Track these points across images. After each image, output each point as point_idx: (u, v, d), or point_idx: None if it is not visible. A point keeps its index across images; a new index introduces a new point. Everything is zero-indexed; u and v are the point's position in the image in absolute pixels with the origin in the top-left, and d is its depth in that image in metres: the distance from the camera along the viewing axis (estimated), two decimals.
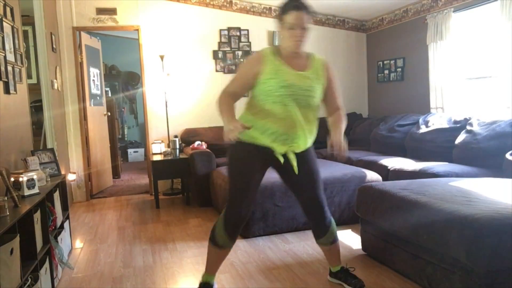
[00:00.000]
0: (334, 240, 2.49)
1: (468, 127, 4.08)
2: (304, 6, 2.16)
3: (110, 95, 8.22)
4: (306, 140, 2.31)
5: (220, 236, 2.32)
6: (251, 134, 2.23)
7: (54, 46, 4.75)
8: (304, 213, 2.48)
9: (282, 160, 2.26)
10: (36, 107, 4.45)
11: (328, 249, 2.53)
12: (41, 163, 3.17)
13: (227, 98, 2.27)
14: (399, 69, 5.77)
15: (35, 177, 2.56)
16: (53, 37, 4.72)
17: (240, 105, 2.38)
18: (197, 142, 5.08)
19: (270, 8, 5.92)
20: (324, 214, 2.42)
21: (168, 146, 5.18)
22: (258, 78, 2.21)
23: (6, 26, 3.01)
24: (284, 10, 2.18)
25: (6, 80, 2.89)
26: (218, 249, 2.37)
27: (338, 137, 2.27)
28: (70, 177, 5.09)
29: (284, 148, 2.25)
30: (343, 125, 2.37)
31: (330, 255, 2.56)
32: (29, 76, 4.23)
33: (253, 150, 2.27)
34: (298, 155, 2.29)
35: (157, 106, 5.53)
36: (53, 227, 2.86)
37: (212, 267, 2.45)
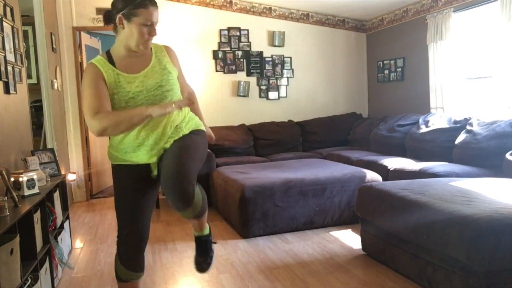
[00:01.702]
0: (200, 212, 1.98)
1: (468, 127, 4.08)
2: (155, 1, 1.92)
3: None
4: (176, 132, 1.96)
5: (120, 271, 2.05)
6: (118, 157, 1.97)
7: (54, 46, 4.75)
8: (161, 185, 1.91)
9: (155, 172, 1.97)
10: (36, 107, 4.45)
11: (197, 222, 2.15)
12: (41, 163, 3.17)
13: (104, 113, 1.79)
14: (399, 69, 5.77)
15: (35, 177, 2.56)
16: (53, 37, 4.72)
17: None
18: None
19: (270, 8, 5.92)
20: (184, 185, 1.82)
21: None
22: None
23: (6, 26, 3.01)
24: (134, 3, 1.84)
25: (6, 80, 2.89)
26: (121, 283, 2.08)
27: (208, 130, 2.18)
28: (70, 177, 5.08)
29: (154, 159, 1.95)
30: (200, 112, 2.19)
31: (196, 223, 2.17)
32: (29, 76, 4.23)
33: (125, 170, 1.97)
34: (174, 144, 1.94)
35: None
36: (53, 227, 2.86)
37: None
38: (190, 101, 1.93)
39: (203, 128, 2.14)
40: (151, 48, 2.02)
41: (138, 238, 2.02)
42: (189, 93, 2.20)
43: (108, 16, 1.91)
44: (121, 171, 1.99)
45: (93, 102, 1.80)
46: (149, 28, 1.90)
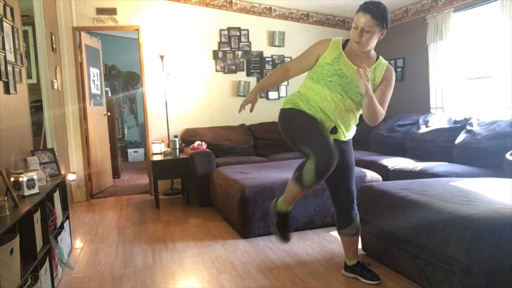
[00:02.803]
0: (357, 232, 2.63)
1: (468, 127, 4.08)
2: (373, 9, 2.20)
3: (110, 95, 8.21)
4: (344, 130, 2.43)
5: (311, 180, 2.26)
6: (302, 107, 2.40)
7: (54, 46, 4.75)
8: (333, 202, 2.62)
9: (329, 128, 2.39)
10: (36, 107, 4.45)
11: (350, 240, 2.63)
12: (41, 163, 3.17)
13: (281, 71, 2.54)
14: (399, 69, 5.76)
15: (35, 177, 2.56)
16: (53, 37, 4.73)
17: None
18: (197, 142, 5.08)
19: (270, 8, 5.92)
20: (352, 205, 2.56)
21: (168, 146, 5.19)
22: (317, 61, 2.38)
23: (6, 26, 3.01)
24: (358, 9, 2.27)
25: (6, 80, 2.89)
26: (303, 188, 2.36)
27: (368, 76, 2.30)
28: (70, 177, 5.08)
29: (327, 128, 2.37)
30: (377, 103, 2.29)
31: (349, 248, 2.66)
32: (29, 76, 4.22)
33: (307, 114, 2.40)
34: (337, 145, 2.35)
35: (157, 106, 5.53)
36: (53, 227, 2.86)
37: (292, 201, 2.50)
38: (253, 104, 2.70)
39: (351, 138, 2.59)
40: (379, 60, 2.40)
41: (335, 152, 2.26)
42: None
43: None
44: (302, 113, 2.39)
45: (294, 62, 2.55)
46: (357, 32, 2.25)
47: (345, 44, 2.40)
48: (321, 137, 2.28)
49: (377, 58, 2.43)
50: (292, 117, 2.44)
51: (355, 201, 2.58)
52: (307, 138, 2.32)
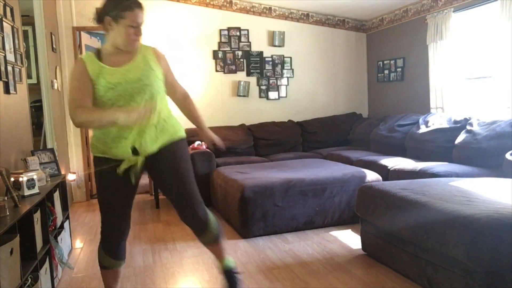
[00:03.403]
0: (215, 240, 2.28)
1: (468, 127, 4.08)
2: (140, 2, 2.04)
3: None
4: (159, 133, 2.09)
5: (103, 259, 2.19)
6: (98, 148, 2.09)
7: (54, 46, 4.75)
8: (178, 215, 2.24)
9: (121, 170, 2.04)
10: (36, 107, 4.45)
11: (211, 249, 2.35)
12: (41, 163, 3.17)
13: (81, 108, 1.96)
14: (399, 69, 5.77)
15: (35, 177, 2.56)
16: (53, 37, 4.72)
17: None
18: (197, 142, 5.07)
19: (270, 8, 5.92)
20: (196, 216, 2.18)
21: None
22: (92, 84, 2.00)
23: (6, 26, 3.01)
24: (125, 5, 1.97)
25: (6, 80, 2.89)
26: (105, 270, 2.22)
27: (207, 133, 2.29)
28: (70, 177, 5.08)
29: (128, 152, 2.04)
30: (199, 114, 2.30)
31: (216, 255, 2.37)
32: (29, 76, 4.23)
33: (106, 163, 2.07)
34: (152, 158, 2.09)
35: None
36: (53, 227, 2.86)
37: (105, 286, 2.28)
38: (150, 111, 1.94)
39: (182, 133, 2.23)
40: (140, 47, 2.13)
41: (119, 231, 2.18)
42: (180, 93, 2.33)
43: (98, 16, 2.06)
44: (101, 164, 2.08)
45: (75, 95, 1.99)
46: (135, 29, 2.02)
47: (98, 55, 2.07)
48: (107, 216, 2.14)
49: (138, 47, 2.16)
50: (95, 174, 2.15)
51: (198, 203, 2.19)
52: (101, 212, 2.17)
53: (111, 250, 2.18)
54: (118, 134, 2.02)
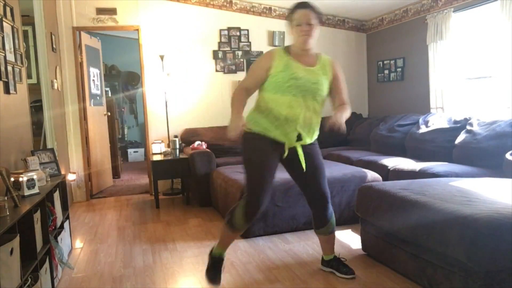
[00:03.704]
0: (332, 230, 2.70)
1: (468, 127, 4.08)
2: (310, 5, 2.42)
3: (110, 95, 8.22)
4: (309, 133, 2.49)
5: (239, 222, 2.49)
6: (262, 124, 2.44)
7: (54, 46, 4.75)
8: (308, 204, 2.68)
9: (286, 153, 2.45)
10: (36, 107, 4.44)
11: (326, 239, 2.73)
12: (41, 163, 3.17)
13: (241, 94, 2.48)
14: (399, 69, 5.77)
15: (35, 177, 2.56)
16: (53, 37, 4.72)
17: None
18: (197, 142, 5.08)
19: (270, 8, 5.92)
20: (327, 206, 2.62)
21: (168, 146, 5.18)
22: (269, 72, 2.42)
23: (6, 26, 3.01)
24: (292, 10, 2.43)
25: (6, 80, 2.89)
26: (234, 231, 2.55)
27: (338, 115, 2.42)
28: (70, 177, 5.09)
29: (292, 138, 2.42)
30: (346, 113, 2.49)
31: (326, 245, 2.76)
32: (29, 76, 4.22)
33: (265, 141, 2.44)
34: (304, 149, 2.47)
35: (157, 106, 5.53)
36: (53, 227, 2.86)
37: (225, 244, 2.64)
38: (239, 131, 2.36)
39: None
40: (320, 56, 2.52)
41: (266, 198, 2.46)
42: (342, 103, 2.60)
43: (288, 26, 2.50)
44: (260, 139, 2.44)
45: (247, 80, 2.53)
46: (303, 28, 2.37)
47: (287, 50, 2.49)
48: (258, 184, 2.44)
49: (318, 55, 2.54)
50: (246, 145, 2.52)
51: (329, 201, 2.64)
52: (247, 178, 2.49)
53: (251, 216, 2.46)
54: (287, 123, 2.39)
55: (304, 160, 2.46)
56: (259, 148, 2.46)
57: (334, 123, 2.36)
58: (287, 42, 5.99)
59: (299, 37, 2.41)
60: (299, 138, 2.45)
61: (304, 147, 2.49)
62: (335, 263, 2.73)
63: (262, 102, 2.49)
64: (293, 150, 2.47)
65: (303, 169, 2.49)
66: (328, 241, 2.74)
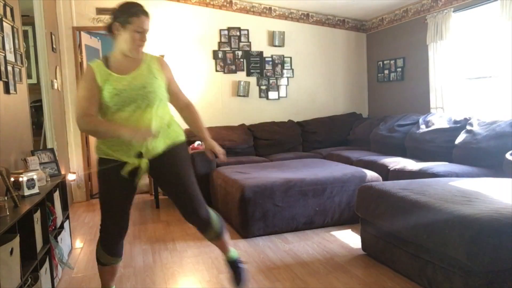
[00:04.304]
0: (220, 234, 2.40)
1: (468, 127, 4.08)
2: (146, 11, 2.18)
3: None
4: (162, 137, 2.19)
5: (101, 255, 2.27)
6: (103, 150, 2.17)
7: (54, 46, 4.75)
8: (181, 215, 2.36)
9: (125, 172, 2.14)
10: (36, 107, 4.45)
11: (216, 243, 2.46)
12: (41, 163, 3.17)
13: (91, 122, 2.09)
14: (399, 69, 5.77)
15: (35, 177, 2.56)
16: (53, 37, 4.72)
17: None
18: (197, 142, 5.07)
19: (270, 8, 5.92)
20: (198, 210, 2.29)
21: None
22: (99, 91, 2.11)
23: (6, 26, 3.01)
24: (131, 12, 2.13)
25: (6, 80, 2.89)
26: (102, 266, 2.30)
27: (209, 141, 2.35)
28: (70, 177, 5.08)
29: (133, 159, 2.14)
30: (202, 124, 2.38)
31: (221, 248, 2.49)
32: (29, 76, 4.22)
33: (106, 166, 2.16)
34: (156, 161, 2.19)
35: None
36: (53, 227, 2.86)
37: (104, 283, 2.36)
38: (151, 135, 2.08)
39: (183, 138, 2.35)
40: (145, 56, 2.26)
41: (118, 228, 2.26)
42: (183, 102, 2.40)
43: (109, 26, 2.21)
44: (105, 164, 2.17)
45: (83, 103, 2.11)
46: (141, 35, 2.15)
47: (106, 62, 2.18)
48: (107, 213, 2.22)
49: (143, 55, 2.26)
50: (97, 174, 2.23)
51: (200, 203, 2.31)
52: (101, 210, 2.25)
53: (109, 247, 2.25)
54: (123, 141, 2.09)
55: (139, 177, 2.20)
56: (103, 174, 2.19)
57: (211, 154, 2.25)
58: (287, 42, 6.00)
59: (133, 43, 2.12)
60: (139, 154, 2.15)
61: (166, 153, 2.20)
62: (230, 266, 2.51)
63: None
64: (153, 161, 2.19)
65: (162, 177, 2.27)
66: (218, 245, 2.47)
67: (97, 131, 2.14)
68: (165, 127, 2.22)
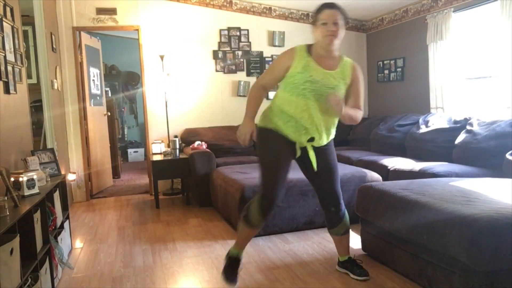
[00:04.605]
0: (346, 231, 2.69)
1: (468, 127, 4.08)
2: (337, 5, 2.39)
3: (110, 95, 8.21)
4: (323, 135, 2.45)
5: (255, 217, 2.48)
6: (276, 123, 2.44)
7: (54, 46, 4.75)
8: (320, 204, 2.67)
9: (299, 153, 2.47)
10: (36, 107, 4.45)
11: (339, 239, 2.71)
12: (41, 163, 3.17)
13: (258, 91, 2.51)
14: (399, 69, 5.77)
15: (35, 177, 2.56)
16: (53, 37, 4.72)
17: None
18: (197, 142, 5.08)
19: (270, 8, 5.92)
20: (339, 206, 2.61)
21: (168, 146, 5.19)
22: (288, 71, 2.41)
23: (6, 26, 3.01)
24: (318, 10, 2.39)
25: (6, 80, 2.89)
26: (251, 228, 2.54)
27: (342, 101, 2.36)
28: (70, 177, 5.09)
29: (303, 140, 2.42)
30: (353, 111, 2.43)
31: (340, 245, 2.74)
32: (29, 76, 4.22)
33: (279, 136, 2.45)
34: (317, 150, 2.47)
35: (157, 106, 5.53)
36: (53, 227, 2.86)
37: (242, 243, 2.63)
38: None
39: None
40: (342, 59, 2.49)
41: (279, 194, 2.47)
42: (354, 109, 2.49)
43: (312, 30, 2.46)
44: (275, 135, 2.45)
45: (266, 78, 2.54)
46: (328, 27, 2.33)
47: (309, 49, 2.45)
48: (273, 178, 2.45)
49: (340, 58, 2.51)
50: (261, 140, 2.52)
51: (341, 201, 2.62)
52: (262, 171, 2.50)
53: (266, 211, 2.46)
54: (299, 125, 2.39)
55: (315, 161, 2.45)
56: (273, 142, 2.46)
57: (337, 100, 2.29)
58: (287, 42, 6.00)
59: (324, 37, 2.35)
60: (311, 139, 2.44)
61: (317, 147, 2.48)
62: (349, 265, 2.71)
63: (276, 100, 2.50)
64: (306, 150, 2.47)
65: (314, 169, 2.48)
66: (341, 241, 2.72)
67: (247, 102, 2.50)
68: (333, 127, 2.50)
